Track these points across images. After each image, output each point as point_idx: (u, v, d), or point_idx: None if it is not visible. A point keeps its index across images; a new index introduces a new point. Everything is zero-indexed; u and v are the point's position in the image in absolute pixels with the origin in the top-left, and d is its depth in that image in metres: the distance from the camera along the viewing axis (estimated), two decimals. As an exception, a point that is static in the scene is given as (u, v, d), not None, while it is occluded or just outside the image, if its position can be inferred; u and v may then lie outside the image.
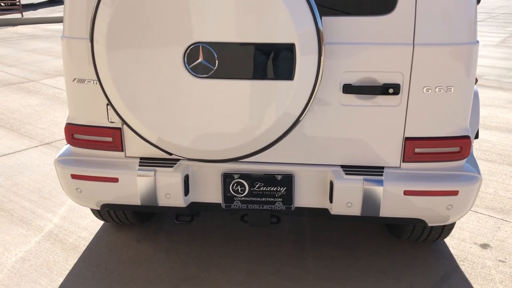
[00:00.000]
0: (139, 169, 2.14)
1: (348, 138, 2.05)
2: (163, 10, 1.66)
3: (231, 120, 1.78)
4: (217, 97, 1.74)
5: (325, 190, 2.13)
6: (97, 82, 2.09)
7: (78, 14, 2.04)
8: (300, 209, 2.18)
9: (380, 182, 2.02)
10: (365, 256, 2.70)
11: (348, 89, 1.94)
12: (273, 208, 2.18)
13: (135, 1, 1.68)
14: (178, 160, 2.17)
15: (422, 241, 2.75)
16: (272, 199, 2.16)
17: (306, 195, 2.16)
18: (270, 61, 1.68)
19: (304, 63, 1.68)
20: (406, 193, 2.03)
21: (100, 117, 2.16)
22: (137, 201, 2.20)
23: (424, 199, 2.04)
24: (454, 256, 2.71)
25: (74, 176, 2.21)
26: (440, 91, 1.95)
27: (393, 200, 2.04)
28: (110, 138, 2.19)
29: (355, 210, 2.08)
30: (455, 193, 2.02)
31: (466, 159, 2.11)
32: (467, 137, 2.03)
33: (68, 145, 2.37)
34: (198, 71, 1.72)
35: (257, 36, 1.65)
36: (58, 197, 3.37)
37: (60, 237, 2.89)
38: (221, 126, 1.79)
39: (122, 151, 2.20)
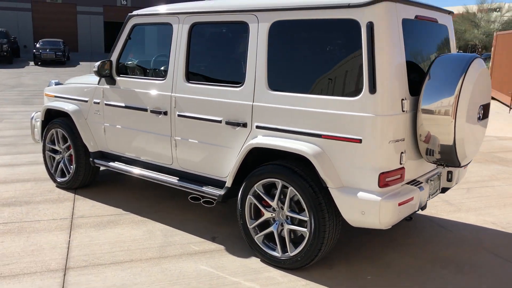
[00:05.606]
0: (420, 188, 3.54)
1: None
2: (479, 89, 3.44)
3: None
4: (481, 130, 3.62)
5: (444, 177, 4.17)
6: (406, 140, 3.38)
7: (391, 99, 3.28)
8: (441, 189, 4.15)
9: (461, 165, 4.31)
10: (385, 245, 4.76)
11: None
12: (435, 193, 4.02)
13: (476, 82, 3.37)
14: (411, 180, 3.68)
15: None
16: (436, 190, 4.02)
17: (442, 182, 4.13)
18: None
19: None
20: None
21: (396, 163, 3.38)
22: (416, 208, 3.54)
23: None
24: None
25: (400, 204, 3.32)
26: None
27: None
28: (399, 175, 3.43)
29: (454, 183, 4.25)
30: None
31: None
32: None
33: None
34: (478, 118, 3.55)
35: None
36: (225, 280, 3.49)
37: None
38: (478, 145, 3.67)
39: (402, 182, 3.48)
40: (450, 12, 4.25)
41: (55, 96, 5.59)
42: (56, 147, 5.56)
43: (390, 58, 3.26)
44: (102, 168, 5.98)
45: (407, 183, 3.62)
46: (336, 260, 3.94)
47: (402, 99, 3.35)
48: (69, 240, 4.18)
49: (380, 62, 3.24)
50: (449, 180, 4.19)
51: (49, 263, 3.76)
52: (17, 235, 4.27)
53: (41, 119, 5.68)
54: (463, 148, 3.45)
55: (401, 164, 3.43)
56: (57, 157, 5.58)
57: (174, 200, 5.27)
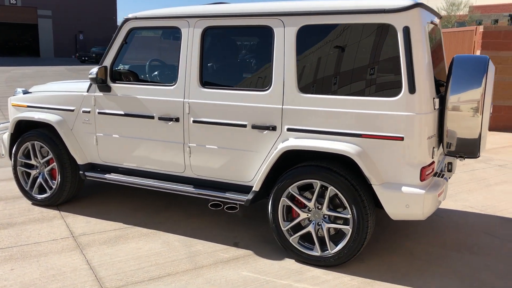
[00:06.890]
0: (445, 179, 3.82)
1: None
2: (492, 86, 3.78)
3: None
4: (487, 123, 3.99)
5: (446, 168, 4.54)
6: (435, 136, 3.63)
7: (427, 98, 3.52)
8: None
9: (456, 156, 4.71)
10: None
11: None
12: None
13: (492, 79, 3.69)
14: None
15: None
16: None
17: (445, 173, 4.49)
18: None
19: None
20: (457, 158, 4.81)
21: (430, 157, 3.63)
22: (443, 198, 3.82)
23: None
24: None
25: (439, 194, 3.56)
26: None
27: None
28: (432, 169, 3.69)
29: (453, 173, 4.64)
30: None
31: None
32: None
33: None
34: (490, 112, 3.90)
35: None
36: (277, 284, 3.50)
37: (353, 284, 3.53)
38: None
39: (432, 175, 3.74)
40: (440, 17, 4.63)
41: (28, 106, 5.12)
42: (32, 162, 5.10)
43: (424, 59, 3.49)
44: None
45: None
46: (363, 254, 4.11)
47: (434, 98, 3.60)
48: (87, 260, 3.88)
49: (417, 64, 3.46)
50: (449, 170, 4.56)
51: (82, 286, 3.48)
52: (23, 260, 3.88)
53: (9, 131, 5.16)
54: (484, 140, 3.81)
55: (432, 158, 3.69)
56: (33, 172, 5.11)
57: (171, 209, 5.11)
